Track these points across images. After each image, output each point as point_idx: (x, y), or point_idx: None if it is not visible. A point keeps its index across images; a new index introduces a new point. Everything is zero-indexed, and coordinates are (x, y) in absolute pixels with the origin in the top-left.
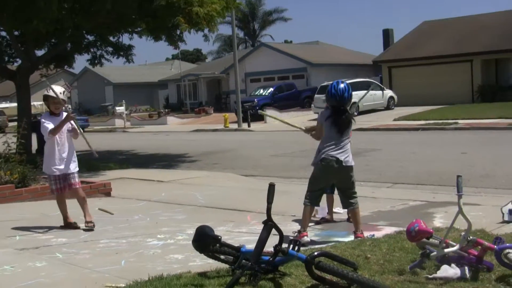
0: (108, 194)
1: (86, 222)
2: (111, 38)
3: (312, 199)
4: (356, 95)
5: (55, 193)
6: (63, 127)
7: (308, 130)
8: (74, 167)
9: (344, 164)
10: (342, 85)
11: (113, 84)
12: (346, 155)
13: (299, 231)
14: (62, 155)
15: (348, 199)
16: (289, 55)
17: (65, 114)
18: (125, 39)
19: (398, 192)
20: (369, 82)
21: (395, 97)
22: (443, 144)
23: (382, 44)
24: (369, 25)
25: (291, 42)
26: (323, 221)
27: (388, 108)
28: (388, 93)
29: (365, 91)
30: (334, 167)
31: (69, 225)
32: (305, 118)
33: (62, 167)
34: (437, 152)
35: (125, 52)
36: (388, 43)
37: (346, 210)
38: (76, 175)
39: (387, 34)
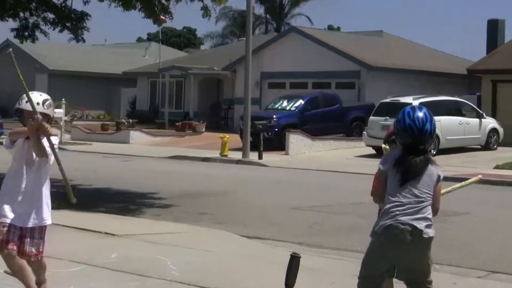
0: None
1: None
2: None
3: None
4: (438, 122)
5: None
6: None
7: None
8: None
9: (423, 235)
10: (421, 113)
11: (49, 72)
12: (426, 222)
13: None
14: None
15: None
16: (334, 50)
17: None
18: (76, 2)
19: None
20: (457, 103)
21: (501, 130)
22: None
23: (485, 44)
24: (467, 11)
25: (338, 29)
26: None
27: (487, 147)
28: (490, 123)
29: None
30: (407, 240)
31: None
32: (350, 152)
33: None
34: None
35: (74, 23)
36: (495, 42)
37: None
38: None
39: (494, 28)
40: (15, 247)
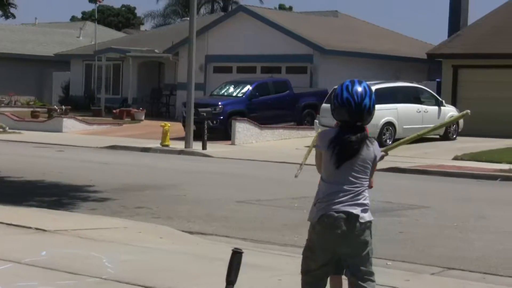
0: None
1: None
2: None
3: (313, 279)
4: (395, 110)
5: None
6: None
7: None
8: None
9: (360, 220)
10: (360, 88)
11: None
12: (362, 207)
13: None
14: None
15: (361, 283)
16: (285, 31)
17: None
18: None
19: (451, 285)
20: (416, 90)
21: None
22: None
23: (447, 27)
24: None
25: (290, 9)
26: None
27: (446, 137)
28: (449, 111)
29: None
30: (342, 228)
31: None
32: (301, 142)
33: None
34: None
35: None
36: (457, 26)
37: None
38: None
39: (457, 8)
40: None
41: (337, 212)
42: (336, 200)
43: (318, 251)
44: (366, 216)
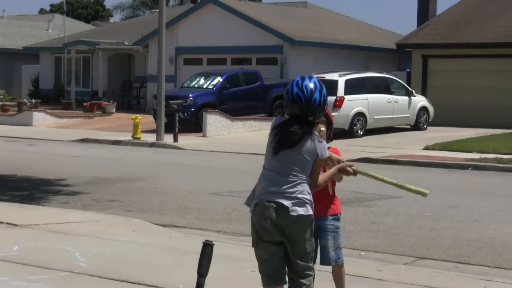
0: None
1: None
2: None
3: (266, 274)
4: (365, 100)
5: None
6: None
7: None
8: None
9: (291, 213)
10: (310, 83)
11: None
12: (294, 200)
13: None
14: None
15: (298, 278)
16: (254, 22)
17: None
18: None
19: (424, 275)
20: (386, 80)
21: (431, 109)
22: (507, 195)
23: (415, 17)
24: None
25: (260, 0)
26: None
27: (417, 127)
28: (420, 101)
29: None
30: (272, 217)
31: None
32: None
33: None
34: (495, 208)
35: None
36: (426, 14)
37: None
38: None
39: (425, 1)
40: None
41: (268, 201)
42: (269, 190)
43: (260, 242)
44: (300, 210)
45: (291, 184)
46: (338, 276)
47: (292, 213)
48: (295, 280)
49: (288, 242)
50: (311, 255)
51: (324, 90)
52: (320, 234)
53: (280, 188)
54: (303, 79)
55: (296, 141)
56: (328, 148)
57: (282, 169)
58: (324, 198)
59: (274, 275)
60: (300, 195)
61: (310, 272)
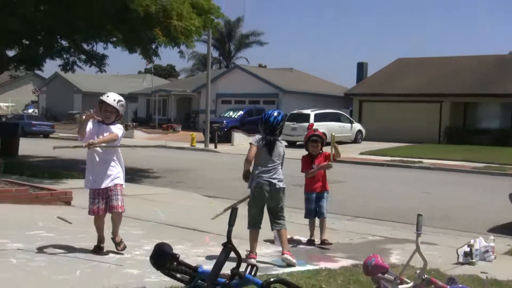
0: (68, 203)
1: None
2: (85, 46)
3: (253, 221)
4: (326, 125)
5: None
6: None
7: None
8: (109, 181)
9: (276, 186)
10: (275, 113)
11: (83, 92)
12: (278, 178)
13: (250, 251)
14: (95, 167)
15: (277, 220)
16: (262, 80)
17: (117, 126)
18: (99, 48)
19: (358, 226)
20: (338, 114)
21: (363, 131)
22: (407, 182)
23: (355, 77)
24: (345, 56)
25: (265, 66)
26: (307, 243)
27: (355, 141)
28: (357, 126)
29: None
30: (267, 189)
31: (98, 249)
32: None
33: (94, 180)
34: (400, 189)
35: (98, 61)
36: (361, 77)
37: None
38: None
39: (361, 68)
40: None
41: (264, 180)
42: (265, 175)
43: (255, 204)
44: (281, 184)
45: (275, 170)
46: (323, 225)
47: (277, 186)
48: (277, 223)
49: (274, 203)
50: (284, 210)
51: (280, 117)
52: (319, 200)
53: (271, 174)
54: (272, 111)
55: (274, 148)
56: (321, 153)
57: (269, 162)
58: (323, 181)
59: (257, 223)
60: (280, 176)
61: (283, 216)
